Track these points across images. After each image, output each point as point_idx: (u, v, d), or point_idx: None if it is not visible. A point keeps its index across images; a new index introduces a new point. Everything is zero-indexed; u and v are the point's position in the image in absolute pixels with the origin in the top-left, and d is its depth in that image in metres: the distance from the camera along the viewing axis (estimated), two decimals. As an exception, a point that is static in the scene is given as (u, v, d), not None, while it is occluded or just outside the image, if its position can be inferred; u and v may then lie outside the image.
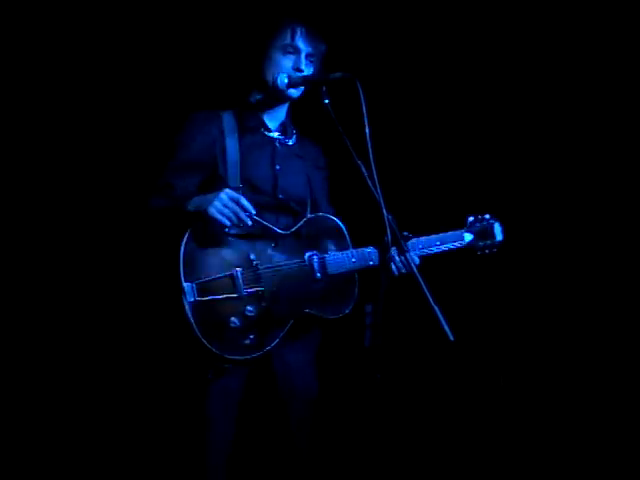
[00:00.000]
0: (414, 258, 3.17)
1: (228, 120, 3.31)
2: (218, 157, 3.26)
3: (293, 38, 3.33)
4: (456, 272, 4.41)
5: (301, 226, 3.35)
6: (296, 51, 3.33)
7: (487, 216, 3.48)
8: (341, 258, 3.34)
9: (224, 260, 3.12)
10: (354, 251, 3.36)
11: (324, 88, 3.24)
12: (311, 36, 3.36)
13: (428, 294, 2.99)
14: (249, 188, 3.26)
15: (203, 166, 3.26)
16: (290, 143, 3.44)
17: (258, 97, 3.40)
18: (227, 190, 3.10)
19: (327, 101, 3.23)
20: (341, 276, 3.34)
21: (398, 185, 3.62)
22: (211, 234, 3.09)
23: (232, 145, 3.26)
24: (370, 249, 3.36)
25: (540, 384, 4.51)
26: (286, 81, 3.32)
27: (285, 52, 3.32)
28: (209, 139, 3.28)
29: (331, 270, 3.32)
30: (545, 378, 4.51)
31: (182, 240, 3.03)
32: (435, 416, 4.61)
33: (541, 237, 4.52)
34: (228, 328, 3.05)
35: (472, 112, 4.63)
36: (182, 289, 2.99)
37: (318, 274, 3.30)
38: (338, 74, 3.21)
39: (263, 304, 3.15)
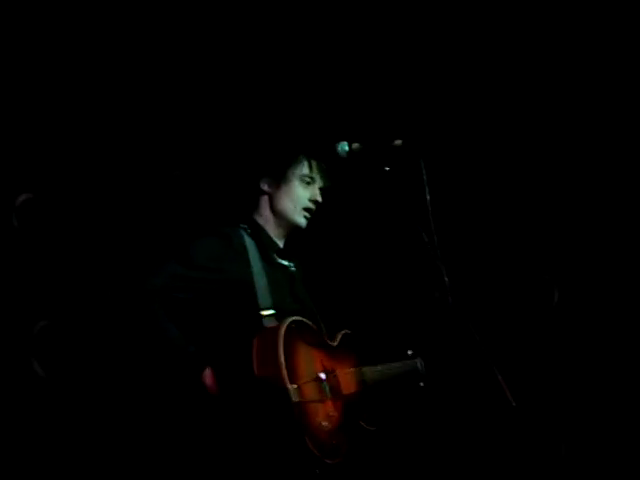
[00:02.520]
0: None
1: (249, 242, 3.31)
2: (243, 284, 3.23)
3: (311, 170, 3.38)
4: (517, 337, 4.41)
5: (341, 340, 3.39)
6: (312, 182, 3.39)
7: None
8: (375, 369, 3.40)
9: (307, 364, 3.10)
10: (385, 365, 3.44)
11: (384, 156, 3.25)
12: (324, 171, 3.43)
13: (491, 360, 2.98)
14: (279, 312, 3.23)
15: (211, 288, 3.23)
16: (294, 269, 3.46)
17: (264, 218, 3.41)
18: None
19: (387, 169, 3.25)
20: (373, 389, 3.39)
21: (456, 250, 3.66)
22: (292, 340, 3.07)
23: (258, 272, 3.25)
24: (405, 362, 3.49)
25: (602, 452, 4.42)
26: (347, 149, 3.30)
27: (302, 181, 3.37)
28: (238, 265, 3.26)
29: (369, 379, 3.36)
30: (607, 445, 4.42)
31: (279, 343, 2.99)
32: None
33: (601, 303, 4.47)
34: (322, 430, 3.02)
35: (526, 171, 4.61)
36: (287, 390, 2.93)
37: (363, 384, 3.33)
38: (399, 142, 3.24)
39: (338, 409, 3.14)
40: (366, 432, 3.32)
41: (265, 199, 3.40)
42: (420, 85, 4.63)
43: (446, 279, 3.12)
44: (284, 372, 2.95)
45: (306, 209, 3.39)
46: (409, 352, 3.51)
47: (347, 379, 3.26)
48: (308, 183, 3.38)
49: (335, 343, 3.35)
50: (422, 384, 3.55)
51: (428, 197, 3.10)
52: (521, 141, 4.61)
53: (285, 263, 3.43)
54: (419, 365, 3.51)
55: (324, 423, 3.03)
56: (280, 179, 3.37)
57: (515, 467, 4.49)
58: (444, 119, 4.62)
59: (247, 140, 4.30)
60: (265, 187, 3.39)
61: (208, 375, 3.14)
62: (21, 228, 4.16)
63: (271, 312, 3.19)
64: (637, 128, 4.42)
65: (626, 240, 4.46)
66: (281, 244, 3.45)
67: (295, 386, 2.95)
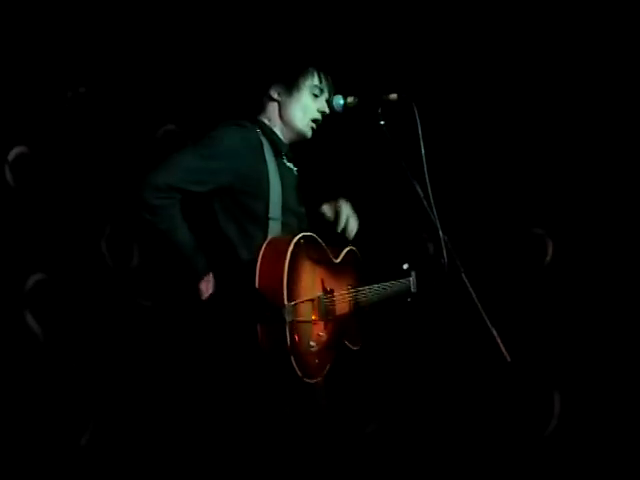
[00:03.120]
0: None
1: (264, 141, 3.33)
2: (258, 179, 3.25)
3: (321, 81, 3.41)
4: (512, 292, 4.51)
5: (345, 256, 3.43)
6: (321, 94, 3.41)
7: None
8: (370, 291, 3.44)
9: (309, 282, 3.13)
10: (380, 285, 3.50)
11: (379, 110, 3.29)
12: (331, 83, 3.45)
13: (484, 314, 3.02)
14: (288, 214, 3.29)
15: (228, 180, 3.21)
16: (296, 173, 3.49)
17: (272, 123, 3.43)
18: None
19: (383, 122, 3.28)
20: (363, 309, 3.44)
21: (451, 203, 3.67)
22: (298, 256, 3.08)
23: (273, 170, 3.28)
24: (402, 280, 3.54)
25: (595, 403, 4.50)
26: (342, 102, 3.36)
27: (312, 92, 3.39)
28: (255, 159, 3.27)
29: (362, 301, 3.41)
30: (601, 397, 4.49)
31: (285, 260, 3.00)
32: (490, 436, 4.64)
33: (590, 255, 4.54)
34: (308, 352, 3.05)
35: (519, 125, 4.67)
36: (283, 308, 2.95)
37: (355, 305, 3.38)
38: (394, 95, 3.27)
39: (328, 329, 3.18)
40: (350, 351, 3.36)
41: (274, 106, 3.42)
42: (415, 40, 4.67)
43: (441, 233, 3.13)
44: (284, 290, 2.96)
45: (314, 120, 3.43)
46: (404, 266, 3.54)
47: (343, 300, 3.31)
48: (316, 95, 3.41)
49: (338, 260, 3.38)
50: (409, 299, 3.61)
51: (423, 151, 3.11)
52: (516, 95, 4.65)
53: (291, 166, 3.46)
54: (412, 282, 3.56)
55: (312, 343, 3.05)
56: (292, 88, 3.38)
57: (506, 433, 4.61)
58: (439, 73, 4.67)
59: (261, 48, 4.44)
60: (275, 95, 3.40)
61: (206, 281, 3.20)
62: (15, 181, 4.21)
63: (279, 217, 3.23)
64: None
65: (619, 196, 4.51)
66: (287, 146, 3.49)
67: (292, 304, 2.97)
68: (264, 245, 3.07)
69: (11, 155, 4.19)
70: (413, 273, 3.61)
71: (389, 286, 3.53)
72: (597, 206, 4.54)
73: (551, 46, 4.58)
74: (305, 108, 3.39)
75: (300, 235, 3.12)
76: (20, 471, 4.05)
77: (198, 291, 3.21)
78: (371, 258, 3.60)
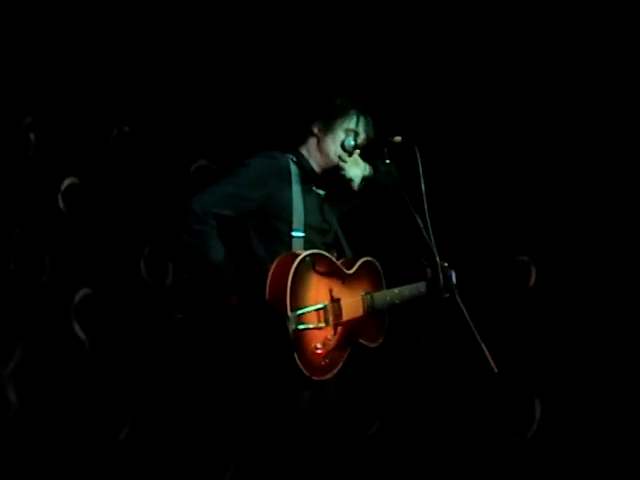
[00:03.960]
0: None
1: (293, 168, 3.74)
2: (282, 203, 3.65)
3: (357, 124, 3.79)
4: (497, 312, 4.85)
5: (359, 267, 3.77)
6: (355, 135, 3.80)
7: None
8: (384, 295, 3.79)
9: (314, 293, 3.49)
10: (395, 289, 3.82)
11: (385, 150, 3.74)
12: (370, 126, 3.83)
13: (475, 330, 3.41)
14: (310, 231, 3.67)
15: (257, 205, 3.61)
16: (322, 194, 3.85)
17: (309, 153, 3.81)
18: None
19: (389, 161, 3.74)
20: (381, 311, 3.78)
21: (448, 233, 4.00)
22: (304, 271, 3.46)
23: (297, 194, 3.68)
24: (411, 285, 3.84)
25: (571, 409, 4.82)
26: (352, 143, 3.76)
27: (347, 133, 3.78)
28: (280, 186, 3.67)
29: (378, 305, 3.74)
30: (576, 404, 4.81)
31: (289, 275, 3.38)
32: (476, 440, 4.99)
33: (568, 278, 4.85)
34: (314, 354, 3.43)
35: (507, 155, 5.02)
36: (287, 317, 3.34)
37: (370, 309, 3.72)
38: (399, 138, 3.67)
39: (338, 333, 3.56)
40: (367, 349, 3.70)
41: (314, 139, 3.81)
42: (416, 87, 5.09)
43: (438, 259, 3.54)
44: (287, 300, 3.35)
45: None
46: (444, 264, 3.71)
47: (352, 306, 3.63)
48: (351, 135, 3.76)
49: (351, 271, 3.71)
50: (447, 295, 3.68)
51: (423, 187, 3.48)
52: (498, 130, 5.01)
53: (318, 190, 3.83)
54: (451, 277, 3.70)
55: (319, 346, 3.43)
56: (329, 126, 3.78)
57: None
58: (437, 119, 5.08)
59: (307, 90, 4.91)
60: (315, 129, 3.80)
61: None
62: (66, 208, 4.65)
63: (301, 234, 3.61)
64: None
65: (603, 220, 4.79)
66: (316, 173, 3.85)
67: (296, 313, 3.36)
68: (274, 262, 3.46)
69: (63, 185, 4.67)
70: (452, 271, 3.75)
71: (406, 290, 3.81)
72: (575, 236, 4.84)
73: (533, 85, 4.90)
74: (338, 145, 3.78)
75: (306, 253, 3.50)
76: (65, 461, 4.50)
77: (229, 302, 3.58)
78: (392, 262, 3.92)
